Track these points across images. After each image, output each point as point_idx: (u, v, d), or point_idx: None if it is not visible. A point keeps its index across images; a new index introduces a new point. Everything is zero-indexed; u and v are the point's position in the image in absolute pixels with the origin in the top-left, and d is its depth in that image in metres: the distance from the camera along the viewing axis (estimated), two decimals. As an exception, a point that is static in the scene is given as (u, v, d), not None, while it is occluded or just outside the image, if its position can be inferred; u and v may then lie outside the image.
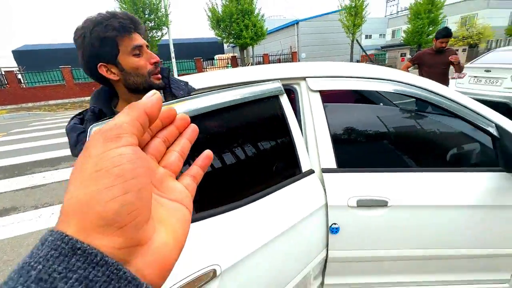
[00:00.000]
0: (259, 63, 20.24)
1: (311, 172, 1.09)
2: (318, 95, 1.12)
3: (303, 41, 22.27)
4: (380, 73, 1.15)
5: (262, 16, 16.40)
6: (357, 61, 23.42)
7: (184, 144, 0.26)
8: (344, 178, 1.10)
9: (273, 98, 1.04)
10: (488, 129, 1.11)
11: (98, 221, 0.17)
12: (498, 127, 1.11)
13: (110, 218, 0.17)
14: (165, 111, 0.25)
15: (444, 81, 3.25)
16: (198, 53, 20.04)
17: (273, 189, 0.96)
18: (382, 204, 1.08)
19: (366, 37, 36.06)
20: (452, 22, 29.12)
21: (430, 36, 21.00)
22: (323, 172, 1.10)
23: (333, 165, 1.10)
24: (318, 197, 1.08)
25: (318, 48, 22.58)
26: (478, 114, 1.12)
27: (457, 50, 23.78)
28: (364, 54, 24.52)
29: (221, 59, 19.44)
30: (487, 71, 4.66)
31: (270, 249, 0.91)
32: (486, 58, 5.23)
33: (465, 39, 25.30)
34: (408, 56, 19.09)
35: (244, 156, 0.96)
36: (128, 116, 0.20)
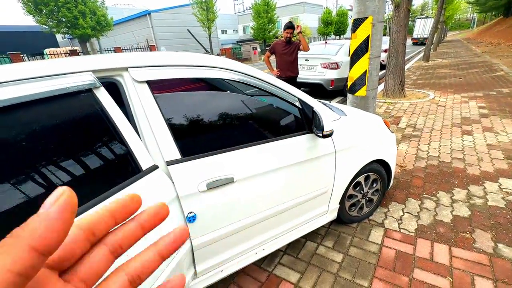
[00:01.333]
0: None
1: (154, 168, 1.02)
2: (146, 86, 1.05)
3: (159, 33, 20.99)
4: (208, 62, 1.22)
5: (103, 2, 13.98)
6: (217, 54, 24.79)
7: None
8: (190, 166, 1.11)
9: (85, 93, 0.88)
10: (295, 103, 1.43)
11: None
12: (300, 100, 1.44)
13: None
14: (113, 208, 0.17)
15: (294, 67, 3.95)
16: (19, 46, 14.71)
17: (103, 197, 0.83)
18: (229, 181, 1.18)
19: (223, 32, 38.62)
20: (284, 22, 36.05)
21: (271, 33, 25.23)
22: (168, 165, 1.06)
23: (177, 155, 1.09)
24: (167, 191, 1.04)
25: (177, 41, 22.03)
26: (287, 92, 1.41)
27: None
28: (222, 48, 26.15)
29: (54, 54, 15.17)
30: (307, 60, 6.11)
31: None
32: (305, 50, 6.84)
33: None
34: (259, 49, 22.17)
35: (52, 166, 0.76)
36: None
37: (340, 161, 1.60)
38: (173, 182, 1.06)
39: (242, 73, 1.26)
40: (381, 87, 5.90)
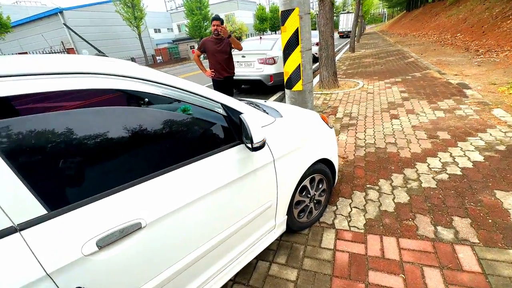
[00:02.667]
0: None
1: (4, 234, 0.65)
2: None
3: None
4: (89, 67, 0.85)
5: (-9, -2, 11.36)
6: (152, 56, 22.97)
7: None
8: (65, 223, 0.76)
9: None
10: (218, 110, 1.17)
11: None
12: (223, 106, 1.19)
13: None
14: None
15: (230, 65, 3.59)
16: None
17: None
18: (135, 228, 0.86)
19: (156, 31, 36.06)
20: (220, 19, 35.50)
21: (208, 30, 24.47)
22: (21, 229, 0.69)
23: (39, 210, 0.72)
24: (26, 271, 0.67)
25: (102, 42, 19.59)
26: (206, 98, 1.13)
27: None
28: (157, 48, 24.37)
29: None
30: (243, 56, 5.93)
31: None
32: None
33: (232, 32, 32.03)
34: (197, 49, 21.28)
35: None
36: None
37: (281, 169, 1.41)
38: (34, 255, 0.69)
39: (144, 80, 0.93)
40: (316, 79, 6.11)
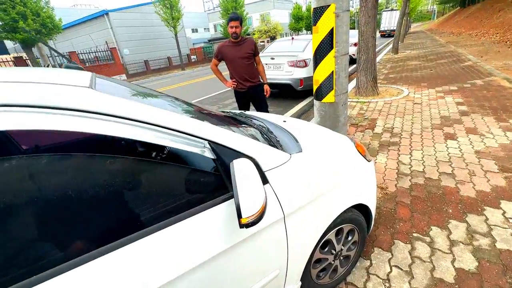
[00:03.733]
0: (61, 65, 15.71)
1: None
2: None
3: (120, 35, 19.46)
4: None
5: (47, 2, 12.42)
6: (187, 55, 23.63)
7: None
8: None
9: None
10: (202, 150, 0.81)
11: None
12: (211, 144, 0.82)
13: None
14: None
15: (252, 72, 2.91)
16: None
17: None
18: None
19: (193, 31, 37.29)
20: (255, 19, 35.54)
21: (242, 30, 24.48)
22: None
23: None
24: None
25: (141, 42, 20.62)
26: (187, 134, 0.78)
27: (263, 41, 29.39)
28: (193, 47, 25.05)
29: (0, 61, 13.35)
30: (272, 58, 5.54)
31: None
32: (271, 48, 6.27)
33: (267, 32, 31.75)
34: (229, 48, 21.33)
35: None
36: None
37: (294, 227, 1.01)
38: None
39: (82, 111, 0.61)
40: (352, 84, 5.48)
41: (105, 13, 18.84)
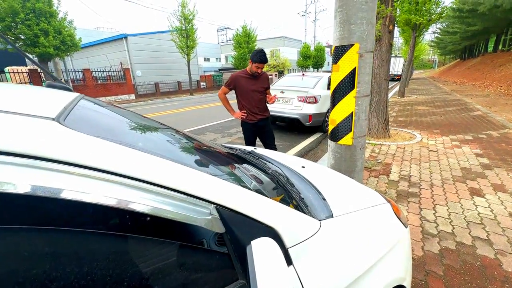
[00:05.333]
0: (74, 80, 16.08)
1: None
2: None
3: (135, 57, 20.24)
4: None
5: (71, 22, 13.08)
6: (197, 81, 24.34)
7: None
8: None
9: None
10: (208, 220, 0.56)
11: None
12: (220, 209, 0.58)
13: None
14: None
15: (263, 107, 2.88)
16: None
17: None
18: None
19: (205, 59, 39.10)
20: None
21: (252, 63, 25.54)
22: None
23: None
24: None
25: (154, 66, 21.37)
26: (188, 195, 0.54)
27: (271, 75, 30.60)
28: (203, 74, 25.94)
29: (16, 72, 13.66)
30: (282, 92, 5.50)
31: None
32: (281, 81, 6.30)
33: (275, 66, 33.17)
34: (238, 78, 22.01)
35: None
36: None
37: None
38: None
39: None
40: (363, 124, 5.34)
41: (123, 37, 19.81)
